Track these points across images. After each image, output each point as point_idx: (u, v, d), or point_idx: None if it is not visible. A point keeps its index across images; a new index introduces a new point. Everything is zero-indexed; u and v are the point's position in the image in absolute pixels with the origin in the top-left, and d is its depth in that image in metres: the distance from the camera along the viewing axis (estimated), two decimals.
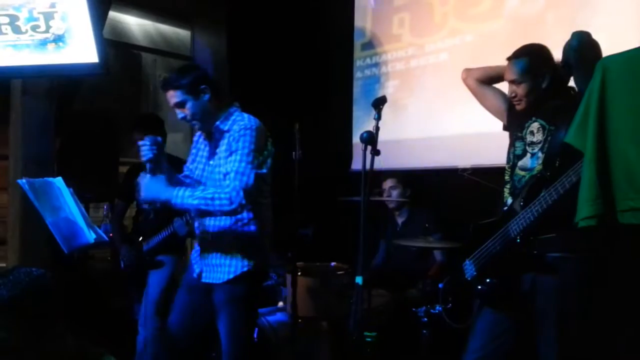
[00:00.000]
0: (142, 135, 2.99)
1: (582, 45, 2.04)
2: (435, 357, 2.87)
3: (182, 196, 2.11)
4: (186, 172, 2.44)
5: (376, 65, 4.33)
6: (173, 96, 2.22)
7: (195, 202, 2.10)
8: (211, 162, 2.33)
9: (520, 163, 2.22)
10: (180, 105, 2.22)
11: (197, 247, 2.40)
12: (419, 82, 4.01)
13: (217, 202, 2.10)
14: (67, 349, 1.36)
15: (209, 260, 2.32)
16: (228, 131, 2.25)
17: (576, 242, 2.02)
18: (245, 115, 2.30)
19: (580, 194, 1.56)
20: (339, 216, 3.50)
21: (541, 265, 2.08)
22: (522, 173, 2.21)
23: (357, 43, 4.50)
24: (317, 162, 3.93)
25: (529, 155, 2.20)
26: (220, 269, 2.28)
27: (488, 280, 2.20)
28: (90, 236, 2.23)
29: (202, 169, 2.38)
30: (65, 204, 2.22)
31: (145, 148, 2.21)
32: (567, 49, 2.08)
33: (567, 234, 2.01)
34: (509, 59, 2.24)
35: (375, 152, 2.18)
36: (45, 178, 2.27)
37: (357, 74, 4.47)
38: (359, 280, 2.15)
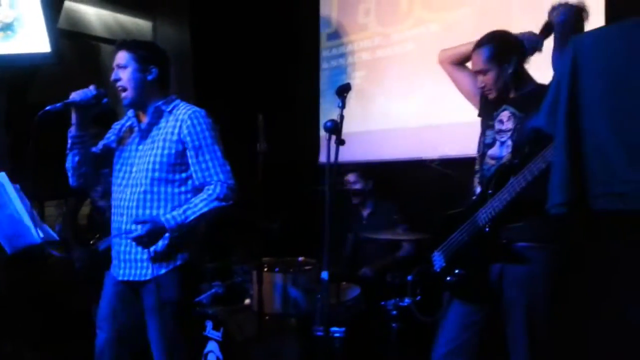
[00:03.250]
0: (96, 129, 2.87)
1: (568, 23, 2.00)
2: (405, 350, 2.82)
3: (184, 215, 2.05)
4: (116, 166, 2.26)
5: (342, 55, 4.26)
6: (121, 57, 2.17)
7: (205, 209, 2.07)
8: (140, 147, 2.19)
9: (490, 152, 2.18)
10: (122, 67, 2.16)
11: (116, 241, 2.20)
12: (385, 72, 3.96)
13: (216, 202, 2.09)
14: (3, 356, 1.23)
15: (133, 256, 2.13)
16: (171, 113, 2.18)
17: (545, 230, 1.99)
18: (185, 104, 2.24)
19: (552, 179, 1.50)
20: (305, 209, 3.43)
21: (509, 255, 2.04)
22: (492, 162, 2.17)
23: (323, 33, 4.42)
24: (284, 155, 3.85)
25: (498, 143, 2.16)
26: (145, 264, 2.10)
27: (457, 271, 2.16)
28: (37, 236, 2.09)
29: (130, 156, 2.21)
30: (9, 201, 2.07)
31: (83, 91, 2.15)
32: (553, 19, 2.04)
33: (536, 223, 1.98)
34: (473, 49, 2.19)
35: (340, 142, 2.10)
36: None
37: (324, 65, 4.40)
38: (324, 275, 2.07)
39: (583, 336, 2.41)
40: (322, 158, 4.21)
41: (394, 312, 2.78)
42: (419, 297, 2.73)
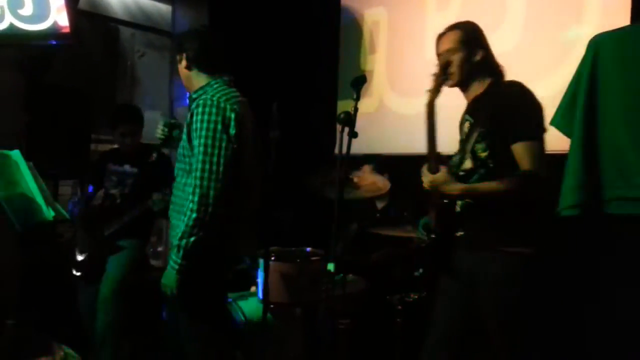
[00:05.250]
0: (128, 126, 2.96)
1: None
2: (408, 345, 2.81)
3: (178, 251, 2.03)
4: None
5: (361, 45, 4.21)
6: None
7: (189, 229, 2.01)
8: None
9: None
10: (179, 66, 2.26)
11: None
12: (405, 63, 3.92)
13: (192, 224, 2.02)
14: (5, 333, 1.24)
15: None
16: (194, 100, 2.16)
17: (513, 235, 1.92)
18: (218, 89, 2.15)
19: (565, 181, 1.47)
20: (315, 199, 3.42)
21: (460, 262, 2.01)
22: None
23: (343, 23, 4.38)
24: (298, 144, 3.84)
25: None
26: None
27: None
28: (49, 213, 2.10)
29: None
30: (21, 179, 2.09)
31: (160, 129, 2.31)
32: None
33: (503, 227, 1.93)
34: (442, 33, 2.14)
35: (353, 134, 2.07)
36: (0, 150, 2.14)
37: (343, 54, 4.36)
38: (331, 267, 2.06)
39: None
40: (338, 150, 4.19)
41: (399, 307, 2.77)
42: (425, 293, 2.73)
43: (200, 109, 2.06)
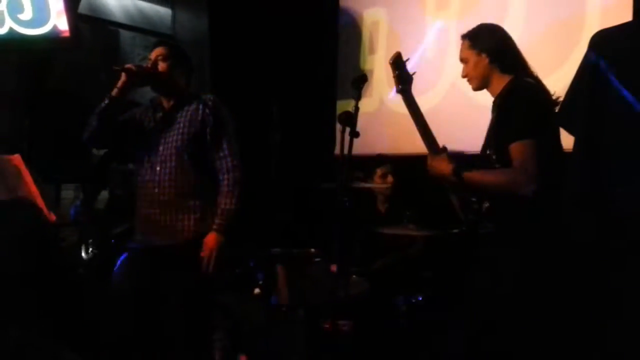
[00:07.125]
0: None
1: None
2: (411, 346, 2.80)
3: (224, 214, 2.36)
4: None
5: (360, 45, 4.21)
6: (163, 51, 2.47)
7: (235, 198, 2.37)
8: (166, 128, 2.47)
9: None
10: (164, 58, 2.45)
11: (150, 211, 2.43)
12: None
13: (237, 192, 2.37)
14: (7, 341, 1.23)
15: (170, 222, 2.39)
16: (191, 99, 2.48)
17: (516, 232, 1.93)
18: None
19: (569, 176, 1.47)
20: (318, 201, 3.42)
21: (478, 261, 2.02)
22: None
23: (342, 22, 4.38)
24: (299, 145, 3.84)
25: None
26: (180, 228, 2.38)
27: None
28: (50, 218, 2.11)
29: (155, 137, 2.47)
30: (22, 183, 2.10)
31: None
32: None
33: (506, 225, 1.94)
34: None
35: (354, 134, 2.07)
36: (1, 154, 2.14)
37: (342, 54, 4.36)
38: (334, 268, 2.06)
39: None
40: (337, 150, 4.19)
41: (403, 309, 2.76)
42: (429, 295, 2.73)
43: (219, 103, 2.48)
